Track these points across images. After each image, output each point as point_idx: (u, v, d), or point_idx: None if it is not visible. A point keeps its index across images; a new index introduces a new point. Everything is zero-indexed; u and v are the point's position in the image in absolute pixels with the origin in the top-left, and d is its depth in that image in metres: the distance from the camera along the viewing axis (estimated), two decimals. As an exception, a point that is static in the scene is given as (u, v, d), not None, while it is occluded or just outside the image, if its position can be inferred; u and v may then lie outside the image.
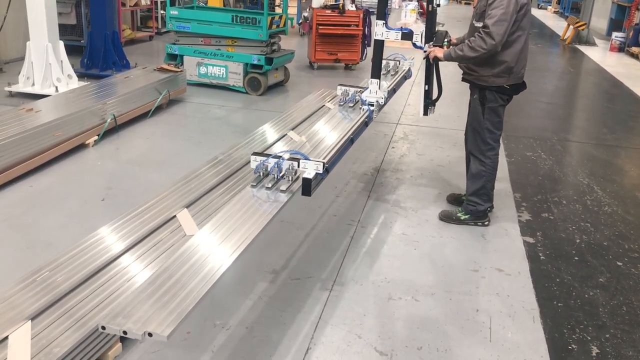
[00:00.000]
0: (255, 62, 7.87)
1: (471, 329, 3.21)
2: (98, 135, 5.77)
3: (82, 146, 5.60)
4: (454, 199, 4.80)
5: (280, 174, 3.10)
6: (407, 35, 4.18)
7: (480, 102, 4.12)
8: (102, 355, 2.75)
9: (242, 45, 7.99)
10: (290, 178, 3.07)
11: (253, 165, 3.12)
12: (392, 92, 5.03)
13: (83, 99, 5.95)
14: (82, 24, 9.70)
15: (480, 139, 4.21)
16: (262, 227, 2.75)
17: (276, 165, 3.08)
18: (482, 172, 4.26)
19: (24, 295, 2.74)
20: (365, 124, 4.07)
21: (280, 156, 3.10)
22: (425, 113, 4.48)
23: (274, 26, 8.01)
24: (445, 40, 4.16)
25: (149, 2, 12.18)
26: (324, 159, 3.13)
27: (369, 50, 10.60)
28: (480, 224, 4.44)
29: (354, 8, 9.97)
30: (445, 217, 4.51)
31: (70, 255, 3.03)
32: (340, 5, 9.75)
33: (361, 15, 9.85)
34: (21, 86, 7.10)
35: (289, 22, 13.21)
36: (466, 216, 4.45)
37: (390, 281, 3.63)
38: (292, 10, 14.07)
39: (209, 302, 3.29)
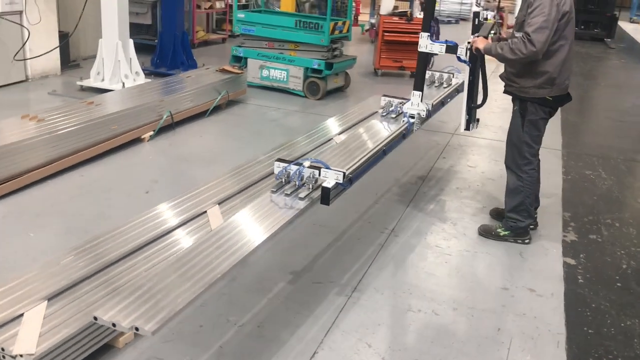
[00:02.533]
0: (315, 66, 7.93)
1: (488, 348, 3.09)
2: (154, 130, 5.98)
3: (138, 140, 5.83)
4: (497, 214, 4.63)
5: (301, 182, 3.11)
6: (451, 48, 4.09)
7: (520, 114, 3.97)
8: (114, 340, 2.84)
9: (304, 49, 8.07)
10: (310, 186, 3.08)
11: (276, 171, 3.15)
12: (440, 104, 4.93)
13: (142, 95, 6.19)
14: (157, 24, 10.09)
15: (518, 153, 4.05)
16: (269, 234, 2.75)
17: (297, 173, 3.10)
18: (520, 188, 4.10)
19: (45, 277, 2.87)
20: (403, 136, 4.01)
21: (301, 163, 3.11)
22: (467, 128, 4.35)
23: (337, 32, 8.04)
24: (492, 32, 4.01)
25: (223, 5, 12.53)
26: (346, 169, 3.11)
27: (436, 59, 10.45)
28: (520, 241, 4.27)
29: (422, 16, 9.84)
30: (485, 232, 4.36)
31: (94, 244, 3.15)
32: (408, 13, 9.67)
33: (429, 24, 9.71)
34: (92, 81, 7.48)
35: (360, 28, 13.22)
36: (506, 232, 4.29)
37: (413, 292, 3.56)
38: (365, 17, 14.09)
39: (226, 298, 3.35)
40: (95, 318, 2.11)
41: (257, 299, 3.38)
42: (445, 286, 3.66)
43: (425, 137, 6.61)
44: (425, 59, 4.26)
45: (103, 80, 7.45)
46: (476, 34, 4.08)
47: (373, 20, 10.52)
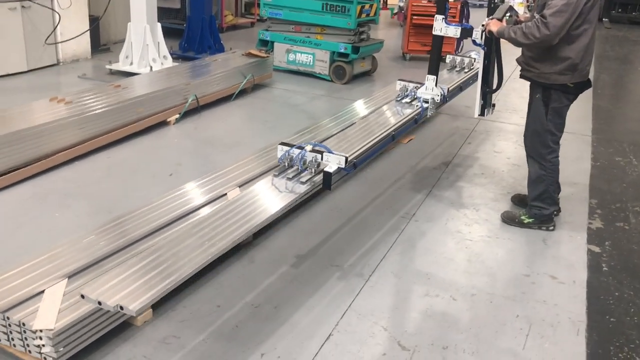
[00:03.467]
0: (342, 50, 7.88)
1: (505, 335, 3.06)
2: (179, 113, 6.03)
3: (164, 123, 5.89)
4: (519, 200, 4.56)
5: (303, 166, 3.10)
6: (466, 31, 4.02)
7: (543, 102, 3.86)
8: (132, 317, 2.89)
9: (331, 33, 8.02)
10: (313, 170, 3.07)
11: (279, 154, 3.15)
12: (458, 89, 4.85)
13: (169, 79, 6.25)
14: (186, 8, 10.13)
15: (541, 142, 3.97)
16: (263, 220, 2.76)
17: (300, 157, 3.08)
18: (543, 177, 4.02)
19: (66, 255, 2.94)
20: (414, 121, 3.97)
21: (303, 147, 3.10)
22: (482, 113, 4.27)
23: (364, 15, 7.97)
24: (508, 14, 3.90)
25: (252, -10, 12.53)
26: (350, 153, 3.09)
27: (465, 43, 10.26)
28: (544, 228, 4.19)
29: (452, -1, 9.68)
30: (507, 219, 4.30)
31: (115, 223, 3.22)
32: (438, -5, 9.50)
33: (458, 7, 9.56)
34: (120, 65, 7.57)
35: (390, 12, 13.04)
36: (530, 220, 4.22)
37: (431, 278, 3.54)
38: (395, 1, 13.91)
39: (244, 279, 3.38)
40: (83, 296, 2.14)
41: (274, 280, 3.40)
42: (465, 272, 3.63)
43: (451, 123, 6.53)
44: (440, 43, 4.21)
45: (131, 64, 7.54)
46: (491, 17, 3.99)
47: (402, 4, 10.38)
